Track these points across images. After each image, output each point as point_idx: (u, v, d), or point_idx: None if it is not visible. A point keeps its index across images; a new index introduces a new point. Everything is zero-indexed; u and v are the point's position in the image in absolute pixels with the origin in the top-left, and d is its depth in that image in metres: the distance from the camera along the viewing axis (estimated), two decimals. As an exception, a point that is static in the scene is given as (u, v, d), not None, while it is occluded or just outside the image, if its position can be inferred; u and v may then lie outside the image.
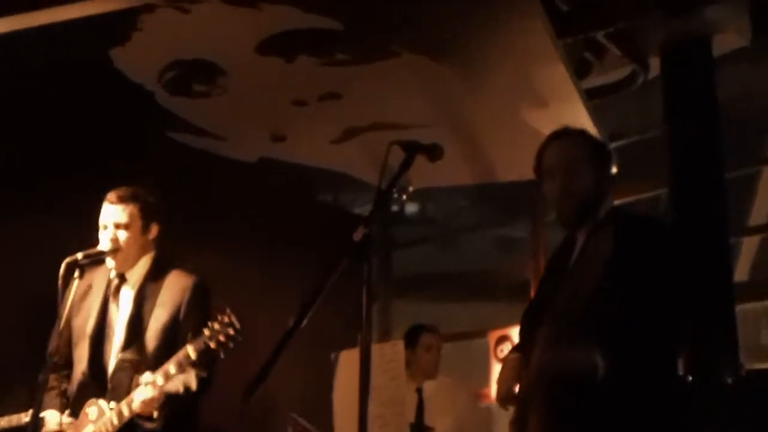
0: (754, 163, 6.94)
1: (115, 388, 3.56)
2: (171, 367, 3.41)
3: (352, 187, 7.04)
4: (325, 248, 5.08)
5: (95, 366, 3.66)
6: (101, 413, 3.53)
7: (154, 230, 3.77)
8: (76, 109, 5.27)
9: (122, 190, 3.75)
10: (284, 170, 6.32)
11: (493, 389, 6.65)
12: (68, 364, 3.74)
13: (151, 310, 3.65)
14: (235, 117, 5.59)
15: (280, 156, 6.14)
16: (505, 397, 2.92)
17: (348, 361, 2.79)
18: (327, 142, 5.92)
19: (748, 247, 7.29)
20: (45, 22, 4.38)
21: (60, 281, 3.53)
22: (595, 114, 5.24)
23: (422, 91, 5.27)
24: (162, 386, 3.40)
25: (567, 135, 2.96)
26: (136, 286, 3.72)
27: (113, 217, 3.69)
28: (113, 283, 3.76)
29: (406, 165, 2.53)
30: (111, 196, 3.73)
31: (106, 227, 3.70)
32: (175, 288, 3.69)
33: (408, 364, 4.38)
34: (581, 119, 5.08)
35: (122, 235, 3.67)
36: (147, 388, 3.41)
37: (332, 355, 2.87)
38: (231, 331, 3.32)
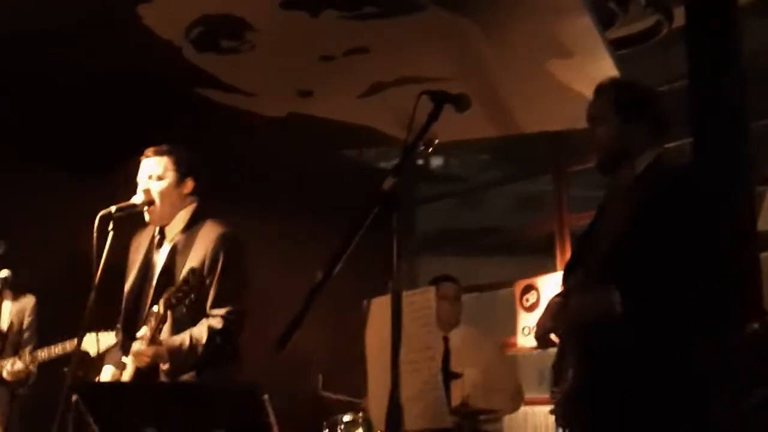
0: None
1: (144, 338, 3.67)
2: (151, 320, 3.50)
3: (377, 142, 7.07)
4: (350, 203, 5.13)
5: (130, 320, 3.77)
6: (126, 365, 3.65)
7: (189, 185, 3.83)
8: (106, 70, 5.32)
9: (158, 146, 3.83)
10: (311, 126, 6.35)
11: (519, 339, 6.77)
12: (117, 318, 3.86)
13: (184, 262, 3.71)
14: (263, 72, 5.59)
15: (308, 111, 6.16)
16: (541, 339, 3.00)
17: (379, 310, 2.85)
18: (353, 97, 5.93)
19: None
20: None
21: (95, 234, 3.62)
22: (619, 65, 5.23)
23: (447, 44, 5.27)
24: (149, 336, 3.48)
25: (601, 85, 3.04)
26: (173, 240, 3.80)
27: (148, 169, 3.78)
28: (156, 239, 3.84)
29: (434, 115, 2.56)
30: (148, 151, 3.83)
31: (140, 180, 3.79)
32: (206, 238, 3.76)
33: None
34: (606, 70, 5.06)
35: (155, 186, 3.75)
36: (137, 342, 3.52)
37: (364, 303, 2.93)
38: (186, 287, 3.41)
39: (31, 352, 4.48)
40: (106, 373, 3.77)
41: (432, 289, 2.94)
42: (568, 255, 6.74)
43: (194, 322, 3.61)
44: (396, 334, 2.37)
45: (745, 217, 4.86)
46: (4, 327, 4.63)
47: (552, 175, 7.26)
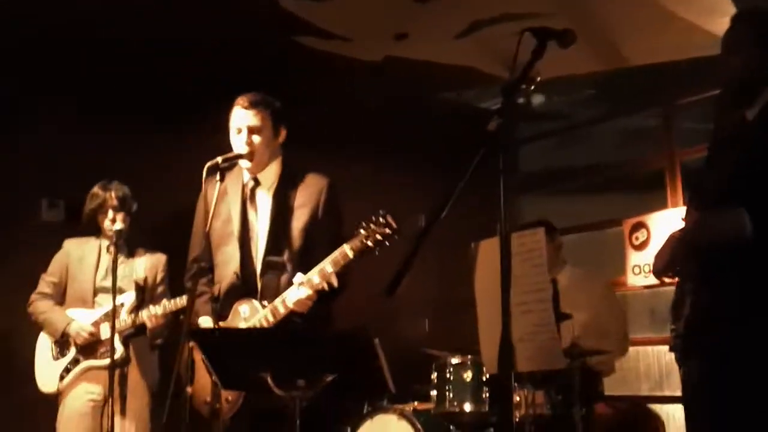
0: None
1: (265, 289, 3.74)
2: (327, 266, 3.55)
3: (476, 83, 6.97)
4: (449, 146, 5.09)
5: (245, 267, 3.82)
6: (254, 311, 3.71)
7: (282, 134, 3.90)
8: (201, 20, 5.37)
9: (252, 96, 3.85)
10: (408, 69, 6.30)
11: (630, 278, 6.66)
12: (212, 268, 3.92)
13: (291, 213, 3.78)
14: (358, 17, 5.56)
15: (404, 54, 6.10)
16: (659, 271, 2.96)
17: (487, 252, 2.82)
18: (451, 38, 5.85)
19: None
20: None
21: (203, 185, 3.69)
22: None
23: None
24: (318, 285, 3.54)
25: (741, 14, 3.00)
26: (272, 190, 3.84)
27: (246, 121, 3.80)
28: (248, 186, 3.89)
29: (537, 53, 2.52)
30: (242, 101, 3.84)
31: (240, 131, 3.82)
32: (311, 189, 3.82)
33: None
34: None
35: (255, 138, 3.79)
36: (302, 288, 3.57)
37: (471, 245, 2.91)
38: (388, 231, 3.43)
39: (165, 305, 4.63)
40: (205, 324, 3.83)
41: (541, 229, 2.89)
42: (678, 191, 6.58)
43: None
44: (505, 276, 2.35)
45: None
46: (140, 282, 4.80)
47: (660, 109, 7.04)
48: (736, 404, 2.70)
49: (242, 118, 3.82)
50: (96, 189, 4.83)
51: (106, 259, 4.80)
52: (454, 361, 4.72)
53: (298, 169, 3.91)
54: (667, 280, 3.00)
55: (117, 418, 4.47)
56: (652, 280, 4.57)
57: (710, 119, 3.23)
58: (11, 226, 5.31)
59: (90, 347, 4.73)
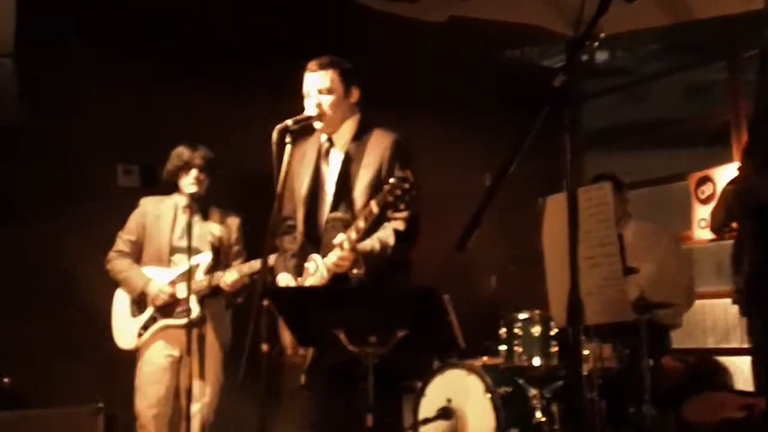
0: None
1: (327, 245, 3.79)
2: (360, 222, 3.61)
3: (539, 41, 6.94)
4: (515, 104, 5.09)
5: (310, 226, 3.91)
6: (316, 267, 3.81)
7: (355, 94, 3.95)
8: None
9: (321, 58, 3.92)
10: (471, 29, 6.29)
11: (696, 232, 6.61)
12: (296, 227, 4.02)
13: (357, 170, 3.83)
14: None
15: (468, 14, 6.09)
16: (716, 228, 2.94)
17: (555, 207, 2.85)
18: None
19: None
20: None
21: (274, 147, 3.76)
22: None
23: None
24: (355, 240, 3.61)
25: None
26: (344, 148, 3.91)
27: (316, 83, 3.87)
28: (323, 147, 3.98)
29: (602, 8, 2.51)
30: (311, 64, 3.92)
31: (309, 94, 3.90)
32: (377, 146, 3.86)
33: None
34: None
35: (326, 100, 3.86)
36: (337, 249, 3.64)
37: (539, 201, 2.94)
38: (406, 185, 3.46)
39: (241, 269, 4.74)
40: (283, 280, 3.93)
41: (608, 184, 2.91)
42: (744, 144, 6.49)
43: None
44: (573, 231, 2.38)
45: None
46: (215, 243, 4.91)
47: (726, 62, 6.93)
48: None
49: (312, 80, 3.90)
50: (181, 148, 4.89)
51: (182, 219, 4.87)
52: (522, 316, 4.73)
53: (369, 127, 3.95)
54: (726, 235, 2.98)
55: (194, 377, 4.61)
56: (719, 233, 4.56)
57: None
58: (89, 193, 5.40)
59: (167, 306, 4.83)
